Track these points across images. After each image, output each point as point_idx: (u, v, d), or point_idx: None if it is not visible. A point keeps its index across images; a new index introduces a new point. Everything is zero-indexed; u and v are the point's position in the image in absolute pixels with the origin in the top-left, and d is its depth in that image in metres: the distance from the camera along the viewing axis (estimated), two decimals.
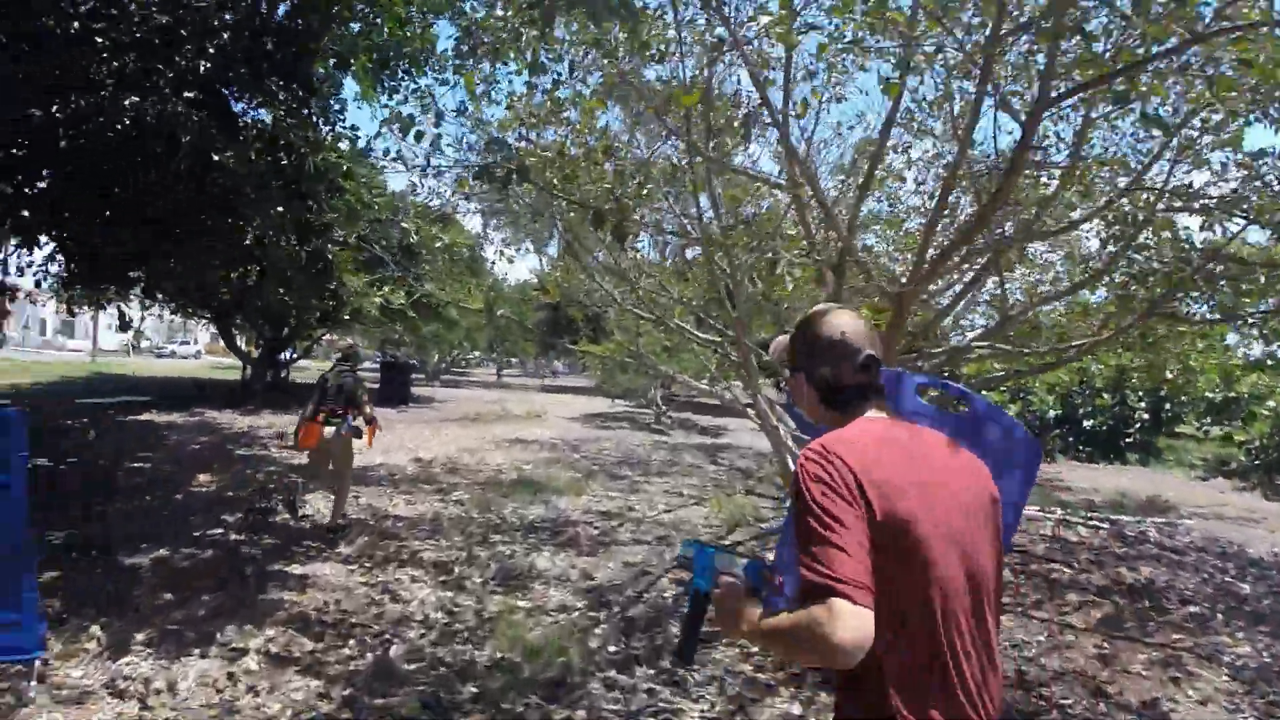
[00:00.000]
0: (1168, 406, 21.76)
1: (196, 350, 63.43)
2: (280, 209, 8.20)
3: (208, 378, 30.69)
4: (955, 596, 1.60)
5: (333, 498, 7.89)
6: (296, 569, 6.41)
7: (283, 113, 8.31)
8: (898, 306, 6.37)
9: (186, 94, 7.25)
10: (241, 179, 7.56)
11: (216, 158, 7.19)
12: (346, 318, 20.96)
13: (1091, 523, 10.75)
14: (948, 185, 5.76)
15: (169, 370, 36.78)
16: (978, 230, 5.09)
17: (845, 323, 1.87)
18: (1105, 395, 20.86)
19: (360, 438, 7.70)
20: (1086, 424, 20.82)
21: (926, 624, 1.57)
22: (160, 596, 5.67)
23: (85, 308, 15.90)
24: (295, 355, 28.42)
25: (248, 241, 8.90)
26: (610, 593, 6.29)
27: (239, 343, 26.01)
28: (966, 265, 8.02)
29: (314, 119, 8.86)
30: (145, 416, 16.42)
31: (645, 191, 6.59)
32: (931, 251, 6.42)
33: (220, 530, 7.47)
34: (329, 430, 7.48)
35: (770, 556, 2.34)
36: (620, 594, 6.27)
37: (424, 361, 39.65)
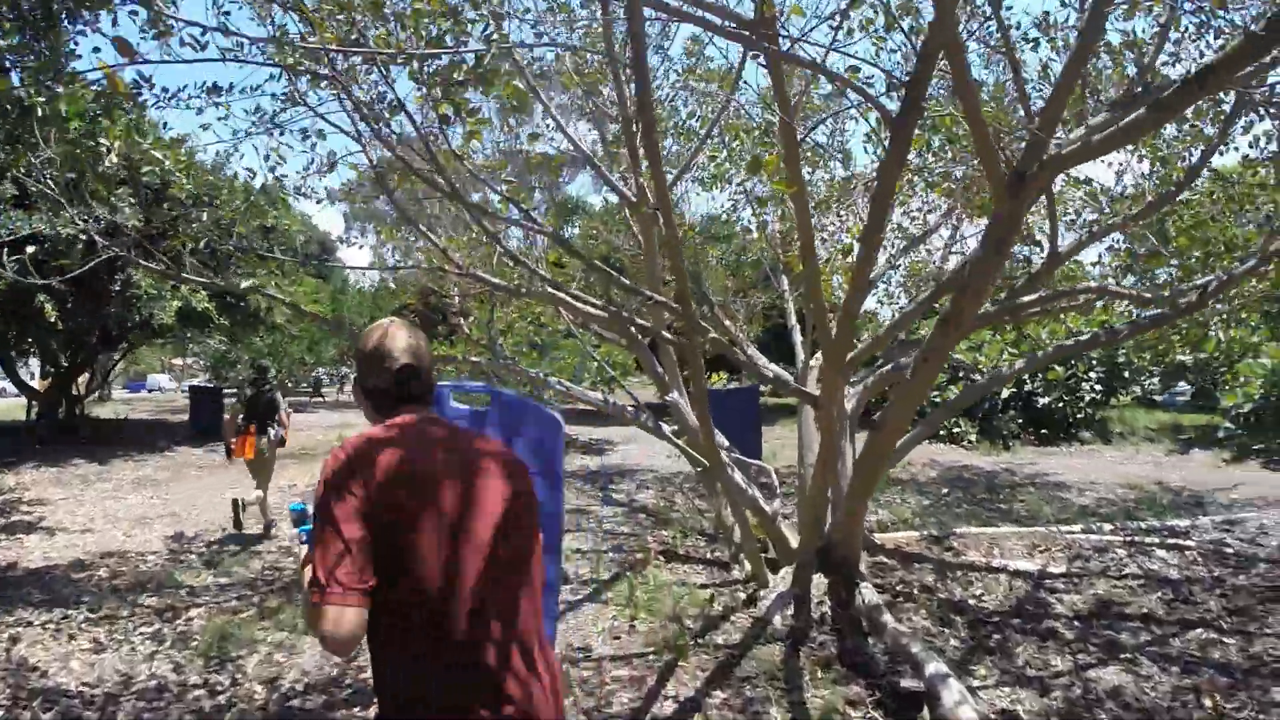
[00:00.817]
0: (1125, 374, 19.22)
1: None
2: None
3: None
4: (467, 588, 1.63)
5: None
6: None
7: None
8: (1015, 198, 3.03)
9: None
10: None
11: None
12: (135, 328, 16.35)
13: (1170, 541, 7.59)
14: None
15: None
16: None
17: (386, 334, 1.93)
18: (1058, 367, 18.03)
19: (284, 445, 8.63)
20: (1040, 402, 17.89)
21: (433, 612, 1.60)
22: None
23: None
24: (97, 384, 23.30)
25: None
26: None
27: (25, 375, 20.99)
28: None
29: None
30: None
31: None
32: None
33: None
34: (262, 441, 8.21)
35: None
36: None
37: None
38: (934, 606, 5.71)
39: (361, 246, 19.07)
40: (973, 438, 17.40)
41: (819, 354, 7.55)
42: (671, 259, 4.10)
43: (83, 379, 21.17)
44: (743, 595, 6.09)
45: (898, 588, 6.12)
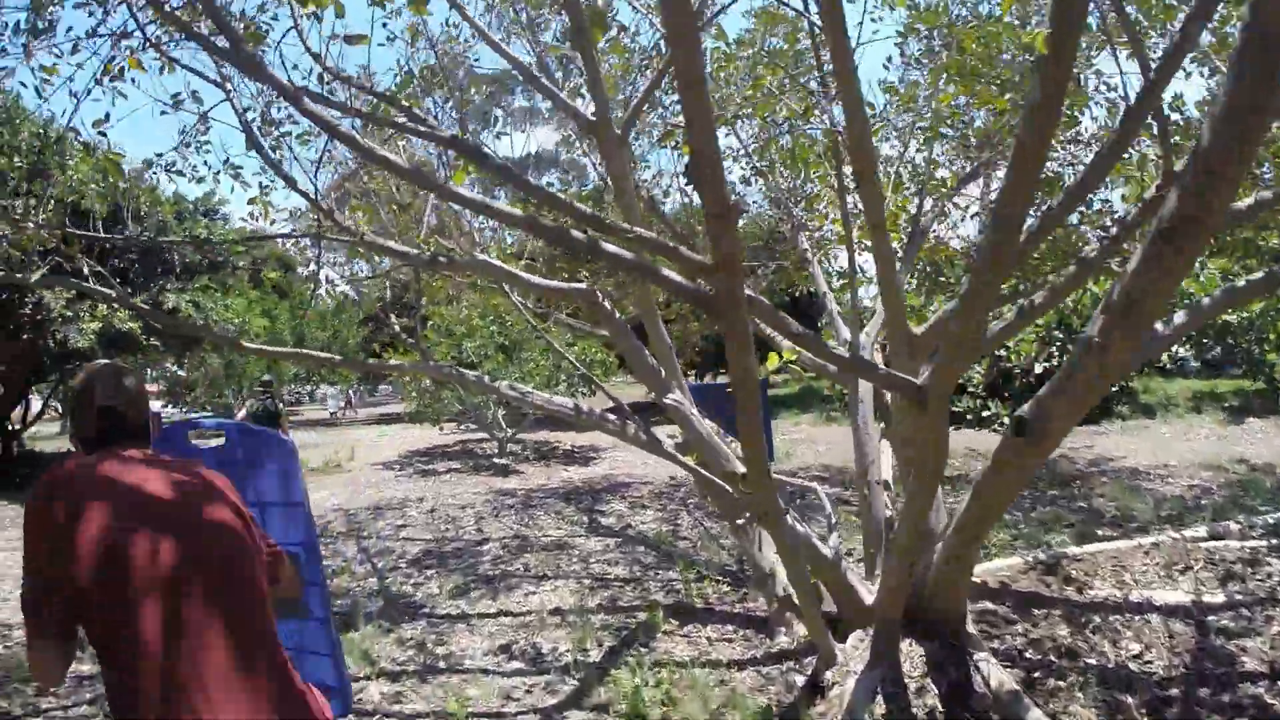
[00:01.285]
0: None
1: None
2: None
3: None
4: (174, 618, 1.59)
5: None
6: None
7: None
8: None
9: None
10: None
11: None
12: (49, 358, 14.61)
13: None
14: None
15: None
16: None
17: (87, 378, 1.90)
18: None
19: None
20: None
21: (134, 640, 1.56)
22: None
23: None
24: (36, 417, 21.11)
25: None
26: None
27: None
28: None
29: None
30: None
31: None
32: None
33: None
34: None
35: None
36: None
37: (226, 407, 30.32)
38: (1089, 681, 3.88)
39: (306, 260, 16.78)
40: (1006, 420, 15.62)
41: (870, 326, 5.70)
42: (701, 164, 2.23)
43: (16, 413, 19.11)
44: (800, 679, 4.25)
45: (1026, 653, 4.26)
